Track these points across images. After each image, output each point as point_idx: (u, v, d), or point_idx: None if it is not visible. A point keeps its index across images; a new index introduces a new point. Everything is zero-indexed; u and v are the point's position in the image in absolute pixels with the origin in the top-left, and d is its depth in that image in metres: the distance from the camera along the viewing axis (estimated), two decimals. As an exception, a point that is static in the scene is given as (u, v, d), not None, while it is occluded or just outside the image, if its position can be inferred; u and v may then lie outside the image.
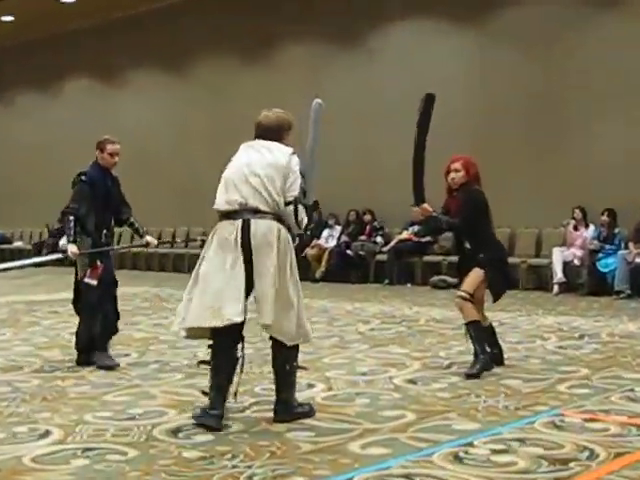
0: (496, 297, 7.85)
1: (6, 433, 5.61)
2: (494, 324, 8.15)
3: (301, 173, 5.93)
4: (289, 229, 5.88)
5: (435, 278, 16.27)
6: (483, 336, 7.51)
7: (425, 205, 7.58)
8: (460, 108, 16.60)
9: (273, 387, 6.70)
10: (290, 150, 5.96)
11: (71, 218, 8.07)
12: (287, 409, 5.91)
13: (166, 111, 22.37)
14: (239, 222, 5.72)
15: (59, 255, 8.72)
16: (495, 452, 5.02)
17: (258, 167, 5.83)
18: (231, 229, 5.72)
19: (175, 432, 5.59)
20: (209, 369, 5.85)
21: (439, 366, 7.88)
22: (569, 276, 14.91)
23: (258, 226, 5.71)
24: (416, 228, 17.03)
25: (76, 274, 8.24)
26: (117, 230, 8.84)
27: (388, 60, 18.18)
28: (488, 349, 7.51)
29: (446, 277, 16.01)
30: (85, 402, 6.51)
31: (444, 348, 8.90)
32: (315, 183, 6.07)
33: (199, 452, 5.09)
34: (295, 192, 5.84)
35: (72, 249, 8.00)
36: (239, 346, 5.83)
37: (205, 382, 6.54)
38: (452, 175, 7.65)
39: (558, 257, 14.89)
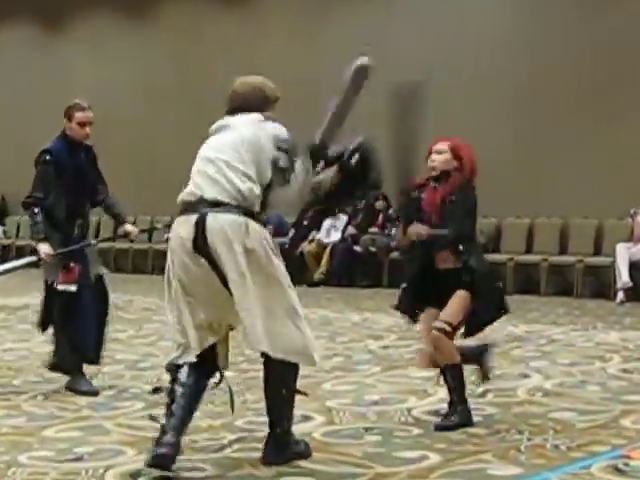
0: (479, 329, 7.39)
1: None
2: (542, 341, 8.13)
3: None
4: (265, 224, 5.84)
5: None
6: (463, 383, 7.14)
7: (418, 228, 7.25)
8: (498, 71, 16.61)
9: (259, 420, 6.73)
10: (259, 116, 5.93)
11: (36, 210, 7.96)
12: (280, 448, 5.87)
13: (127, 65, 22.27)
14: (194, 217, 5.68)
15: (31, 258, 8.54)
16: (542, 504, 5.02)
17: (216, 151, 5.86)
18: (186, 226, 5.70)
19: (134, 477, 5.59)
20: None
21: (470, 394, 7.79)
22: (637, 280, 14.87)
23: (216, 221, 5.64)
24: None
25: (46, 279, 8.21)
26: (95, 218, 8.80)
27: (408, 10, 18.12)
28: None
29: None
30: (19, 438, 6.51)
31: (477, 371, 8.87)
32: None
33: (164, 504, 5.11)
34: (282, 163, 5.80)
35: (44, 249, 7.92)
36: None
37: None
38: (433, 157, 7.18)
39: (624, 255, 14.84)
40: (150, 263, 20.60)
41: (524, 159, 16.40)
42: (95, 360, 8.28)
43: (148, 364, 9.40)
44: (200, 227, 5.59)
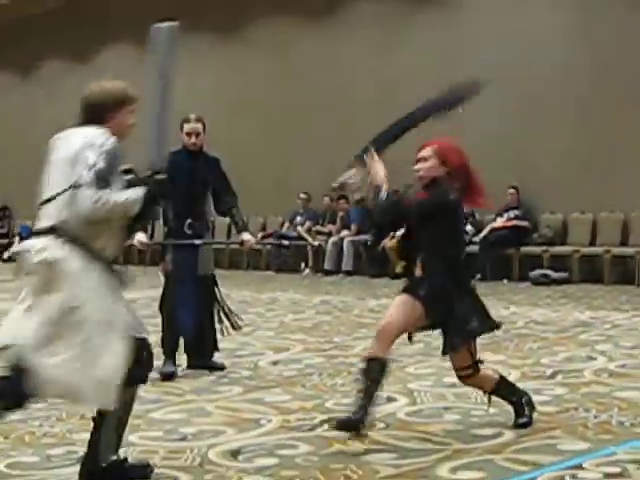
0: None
1: (39, 456, 5.63)
2: (606, 326, 8.00)
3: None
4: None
5: (536, 272, 16.08)
6: (510, 385, 6.49)
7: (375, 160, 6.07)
8: (560, 67, 16.42)
9: (346, 402, 6.68)
10: (93, 133, 4.95)
11: None
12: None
13: (221, 80, 22.33)
14: None
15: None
16: (608, 476, 4.93)
17: (51, 167, 5.05)
18: None
19: (234, 454, 5.57)
20: None
21: (541, 375, 7.80)
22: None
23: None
24: (512, 214, 16.81)
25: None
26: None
27: (477, 17, 17.93)
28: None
29: (548, 271, 15.84)
30: (130, 420, 6.49)
31: (547, 354, 8.80)
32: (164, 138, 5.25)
33: (262, 477, 5.07)
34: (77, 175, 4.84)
35: (139, 237, 8.03)
36: None
37: (271, 397, 6.57)
38: (417, 166, 6.11)
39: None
40: (245, 260, 20.63)
41: (588, 159, 16.20)
42: (190, 348, 8.39)
43: (246, 352, 9.39)
44: None
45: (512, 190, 16.74)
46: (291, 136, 20.38)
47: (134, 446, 5.78)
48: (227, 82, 22.17)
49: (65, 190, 4.80)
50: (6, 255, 26.45)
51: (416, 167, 6.08)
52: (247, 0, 21.06)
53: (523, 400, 6.36)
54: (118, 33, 24.04)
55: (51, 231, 4.80)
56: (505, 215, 16.95)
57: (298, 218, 19.85)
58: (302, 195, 19.79)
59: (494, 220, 17.10)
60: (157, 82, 5.14)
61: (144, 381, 5.20)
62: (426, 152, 6.05)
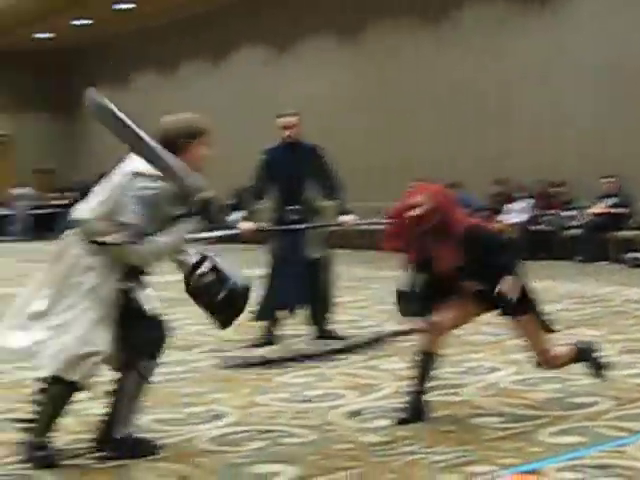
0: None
1: (181, 414, 5.85)
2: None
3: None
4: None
5: (631, 255, 15.91)
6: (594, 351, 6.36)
7: None
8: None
9: (457, 370, 6.78)
10: (132, 169, 4.97)
11: (247, 194, 8.65)
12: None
13: (338, 80, 22.39)
14: None
15: (233, 231, 9.04)
16: (701, 443, 4.93)
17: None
18: None
19: (353, 415, 5.70)
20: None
21: (636, 349, 7.74)
22: None
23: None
24: (609, 201, 16.68)
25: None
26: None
27: (578, 25, 17.71)
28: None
29: (644, 254, 15.68)
30: (259, 384, 6.71)
31: (641, 331, 8.74)
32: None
33: (378, 437, 5.19)
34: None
35: (244, 225, 8.57)
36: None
37: (387, 365, 6.70)
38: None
39: None
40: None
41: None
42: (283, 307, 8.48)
43: (372, 322, 9.57)
44: None
45: (610, 178, 16.59)
46: (394, 133, 20.58)
47: (263, 406, 5.98)
48: (344, 83, 22.25)
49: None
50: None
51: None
52: (364, 5, 20.90)
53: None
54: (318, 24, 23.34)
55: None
56: (605, 201, 16.83)
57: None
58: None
59: (592, 206, 16.95)
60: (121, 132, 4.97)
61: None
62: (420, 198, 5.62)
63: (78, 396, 5.06)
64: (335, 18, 22.34)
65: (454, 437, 5.15)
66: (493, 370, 7.00)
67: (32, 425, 4.97)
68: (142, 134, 4.92)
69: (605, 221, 16.63)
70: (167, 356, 5.37)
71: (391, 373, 6.95)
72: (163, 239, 4.94)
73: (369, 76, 21.57)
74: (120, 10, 25.63)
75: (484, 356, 7.58)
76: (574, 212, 17.27)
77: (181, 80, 27.51)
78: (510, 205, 18.13)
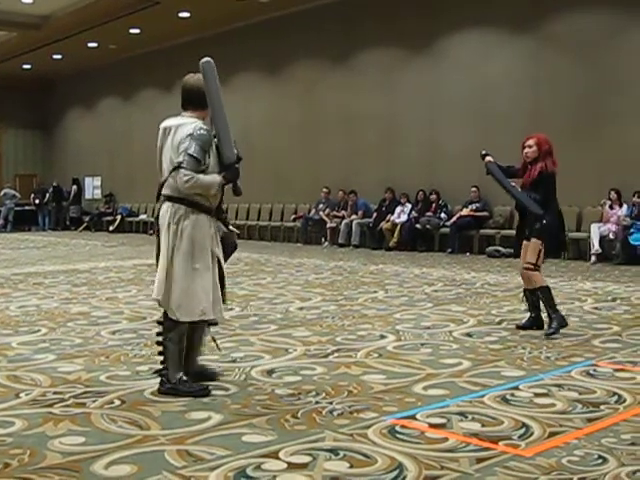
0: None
1: (131, 371, 5.75)
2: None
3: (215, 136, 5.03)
4: (195, 206, 4.99)
5: (490, 248, 16.11)
6: (552, 298, 7.18)
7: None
8: (514, 104, 16.43)
9: (352, 337, 6.75)
10: (196, 123, 4.98)
11: None
12: (166, 384, 5.13)
13: (266, 107, 22.15)
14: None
15: None
16: (537, 395, 4.98)
17: (165, 151, 5.08)
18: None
19: (269, 373, 5.65)
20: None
21: (491, 322, 7.81)
22: (605, 248, 14.61)
23: (160, 210, 5.11)
24: (473, 206, 16.88)
25: None
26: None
27: (453, 64, 17.86)
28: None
29: (499, 247, 15.87)
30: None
31: (496, 307, 8.82)
32: (228, 139, 5.02)
33: (289, 390, 5.15)
34: (179, 157, 4.91)
35: None
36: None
37: (297, 333, 6.64)
38: (525, 150, 7.17)
39: (595, 231, 14.60)
40: (281, 235, 20.82)
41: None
42: None
43: (279, 300, 9.48)
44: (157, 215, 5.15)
45: (474, 189, 16.80)
46: (319, 147, 20.53)
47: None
48: (270, 110, 22.02)
49: (172, 171, 4.94)
50: (111, 228, 26.64)
51: (525, 151, 7.14)
52: (355, 34, 19.92)
53: (553, 316, 7.03)
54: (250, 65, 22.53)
55: (169, 199, 5.02)
56: (469, 206, 17.05)
57: (320, 205, 19.94)
58: (324, 189, 19.89)
59: (461, 210, 17.18)
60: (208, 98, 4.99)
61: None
62: (531, 141, 7.13)
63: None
64: (263, 60, 22.16)
65: (348, 390, 5.12)
66: (381, 337, 6.99)
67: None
68: (221, 100, 4.98)
69: (470, 221, 16.86)
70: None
71: (298, 340, 6.90)
72: (209, 178, 4.94)
73: (290, 106, 21.49)
74: (89, 48, 25.70)
75: (373, 326, 7.59)
76: (442, 215, 17.49)
77: (139, 104, 27.17)
78: (396, 209, 18.25)
